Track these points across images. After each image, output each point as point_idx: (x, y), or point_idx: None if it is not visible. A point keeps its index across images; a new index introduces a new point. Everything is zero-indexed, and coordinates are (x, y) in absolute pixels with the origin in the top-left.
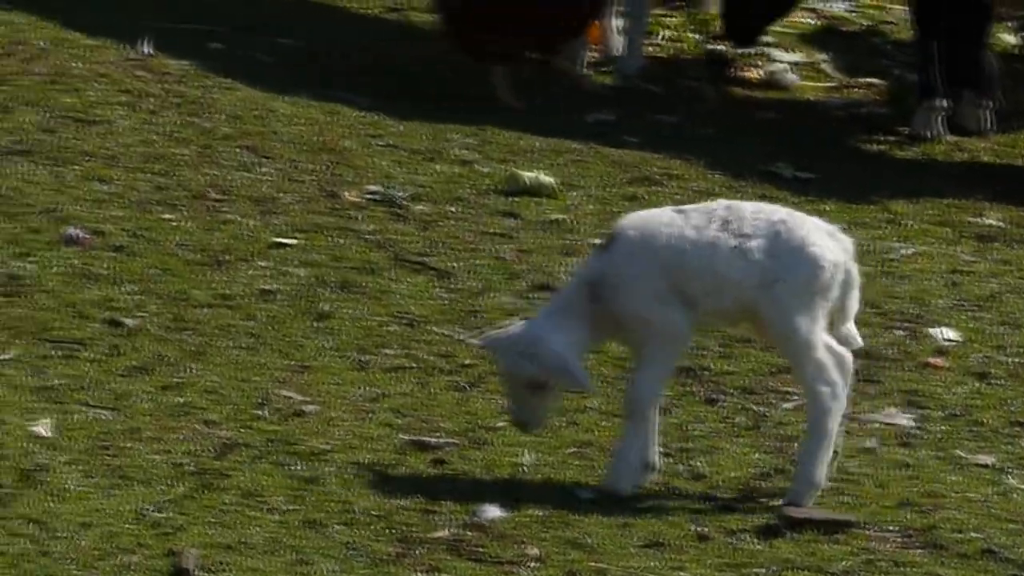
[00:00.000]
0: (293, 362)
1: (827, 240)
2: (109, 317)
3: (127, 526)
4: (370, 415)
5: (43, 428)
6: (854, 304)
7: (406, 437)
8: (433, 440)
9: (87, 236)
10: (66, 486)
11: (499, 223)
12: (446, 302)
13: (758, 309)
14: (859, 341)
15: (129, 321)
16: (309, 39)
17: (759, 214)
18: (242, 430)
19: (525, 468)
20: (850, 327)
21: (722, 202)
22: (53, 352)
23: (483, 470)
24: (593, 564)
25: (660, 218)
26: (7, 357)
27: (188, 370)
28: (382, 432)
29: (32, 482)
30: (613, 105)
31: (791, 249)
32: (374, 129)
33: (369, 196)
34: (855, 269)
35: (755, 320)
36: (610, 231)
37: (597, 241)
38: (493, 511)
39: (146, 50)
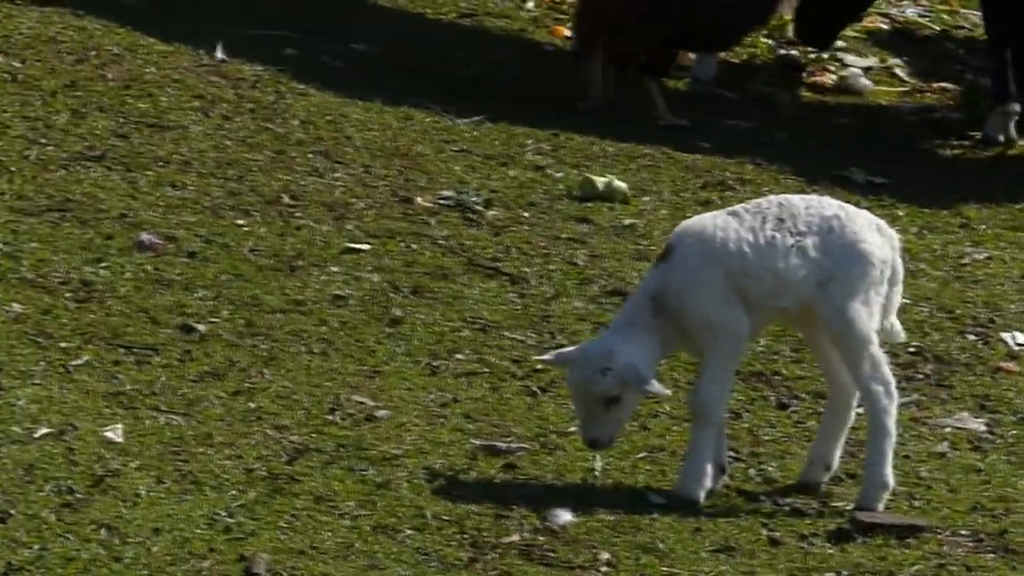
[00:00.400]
0: (365, 367)
1: (876, 236)
2: (181, 323)
3: (198, 531)
4: (442, 420)
5: (115, 433)
6: (897, 298)
7: (477, 442)
8: (504, 445)
9: (160, 242)
10: (138, 491)
11: (572, 228)
12: (518, 307)
13: (814, 307)
14: (902, 336)
15: (201, 327)
16: (382, 44)
17: (811, 210)
18: (314, 435)
19: (596, 473)
20: (894, 321)
21: (773, 199)
22: (125, 358)
23: (554, 475)
24: (664, 569)
25: (715, 223)
26: (80, 362)
27: (260, 375)
28: (454, 437)
29: (104, 488)
30: (686, 110)
31: (844, 245)
32: (447, 134)
33: (442, 201)
34: (900, 263)
35: (811, 318)
36: (667, 241)
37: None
38: (564, 516)
39: (220, 55)
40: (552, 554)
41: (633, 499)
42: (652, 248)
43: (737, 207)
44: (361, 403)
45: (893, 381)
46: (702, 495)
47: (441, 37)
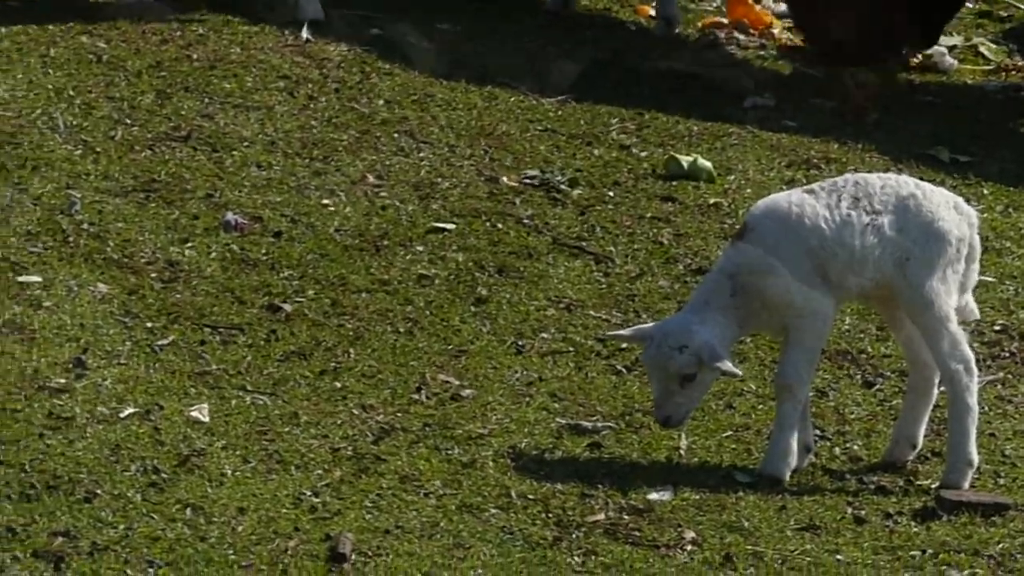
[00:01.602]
0: (450, 347)
1: (953, 214)
2: (267, 302)
3: (284, 511)
4: (527, 399)
5: (201, 413)
6: (974, 276)
7: (563, 421)
8: (590, 424)
9: (245, 222)
10: (223, 471)
11: (657, 207)
12: (603, 286)
13: (892, 286)
14: (977, 313)
15: (287, 306)
16: (467, 24)
17: (887, 188)
18: (399, 415)
19: (682, 452)
20: (969, 299)
21: (849, 177)
22: (211, 337)
23: (640, 454)
24: (749, 547)
25: (791, 200)
26: (165, 342)
27: (346, 355)
28: (539, 416)
29: (189, 467)
30: (772, 89)
31: (920, 224)
32: (532, 114)
33: (527, 181)
34: (978, 241)
35: (890, 297)
36: (744, 220)
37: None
38: (650, 495)
39: (305, 35)
40: (637, 533)
41: (718, 478)
42: (738, 227)
43: (813, 185)
44: (446, 382)
45: (972, 358)
46: (787, 474)
47: (523, 18)
